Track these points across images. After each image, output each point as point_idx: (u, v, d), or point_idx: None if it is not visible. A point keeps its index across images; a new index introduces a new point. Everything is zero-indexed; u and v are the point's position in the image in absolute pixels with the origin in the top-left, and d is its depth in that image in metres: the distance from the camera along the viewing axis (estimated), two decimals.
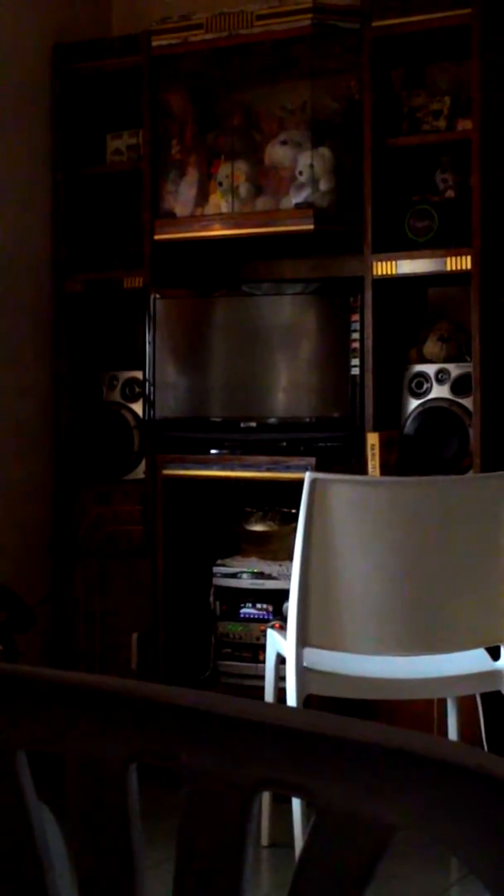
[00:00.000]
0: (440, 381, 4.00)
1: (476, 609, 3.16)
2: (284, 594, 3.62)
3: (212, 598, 4.20)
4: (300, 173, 4.13)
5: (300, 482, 3.11)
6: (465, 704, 3.58)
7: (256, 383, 4.26)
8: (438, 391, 4.00)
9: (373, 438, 3.94)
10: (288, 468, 4.01)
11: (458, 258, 3.88)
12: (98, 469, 4.49)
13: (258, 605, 4.13)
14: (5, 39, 4.39)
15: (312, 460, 3.97)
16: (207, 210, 4.28)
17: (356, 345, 4.03)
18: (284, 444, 4.12)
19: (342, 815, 0.82)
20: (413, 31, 3.98)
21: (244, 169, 4.23)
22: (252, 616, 4.13)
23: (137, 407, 4.44)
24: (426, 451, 3.97)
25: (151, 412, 4.33)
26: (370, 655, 3.18)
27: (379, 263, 4.00)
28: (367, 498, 3.14)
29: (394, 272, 3.99)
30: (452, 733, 3.59)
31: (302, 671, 3.09)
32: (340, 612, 3.12)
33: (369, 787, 0.82)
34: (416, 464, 3.98)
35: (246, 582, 4.15)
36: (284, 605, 3.76)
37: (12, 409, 4.39)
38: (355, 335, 4.04)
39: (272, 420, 4.21)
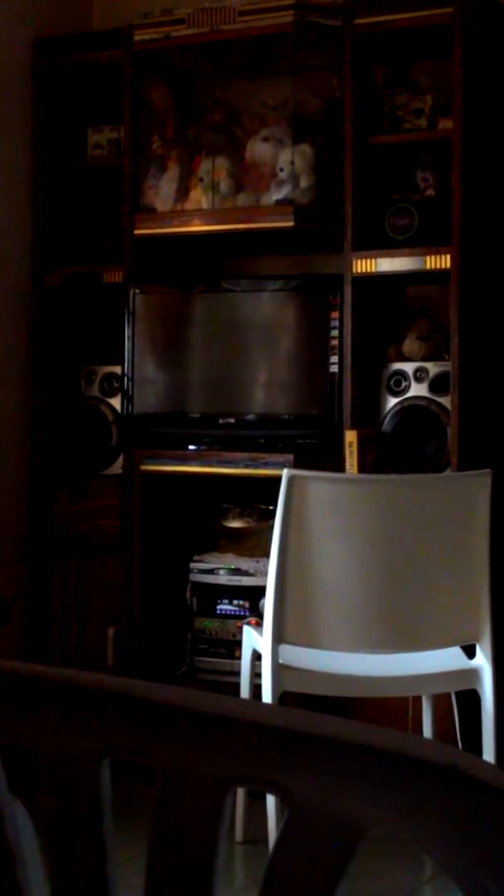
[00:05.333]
0: (418, 380, 4.01)
1: (452, 607, 3.16)
2: (261, 591, 3.62)
3: (188, 594, 4.19)
4: (281, 170, 4.13)
5: (278, 479, 3.11)
6: (441, 703, 3.59)
7: (235, 380, 4.25)
8: (417, 389, 4.01)
9: (351, 436, 3.95)
10: (266, 465, 4.01)
11: (438, 257, 3.89)
12: (75, 464, 4.48)
13: (235, 602, 4.13)
14: None
15: (290, 457, 3.97)
16: (188, 206, 4.27)
17: (335, 342, 4.03)
18: (262, 440, 4.12)
19: (315, 813, 0.82)
20: (395, 30, 3.98)
21: (225, 165, 4.22)
22: (228, 612, 4.13)
23: (116, 402, 4.44)
24: (404, 449, 3.98)
25: (130, 407, 4.32)
26: (346, 652, 3.19)
27: (358, 261, 4.00)
28: (345, 495, 3.15)
29: (373, 270, 3.99)
30: (427, 731, 3.60)
31: (277, 668, 3.09)
32: (317, 610, 3.12)
33: (342, 784, 0.82)
34: (393, 462, 3.98)
35: (223, 578, 4.15)
36: (261, 602, 3.76)
37: None
38: (334, 333, 4.04)
39: (251, 417, 4.21)
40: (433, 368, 3.99)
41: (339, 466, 3.94)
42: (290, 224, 4.06)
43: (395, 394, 4.04)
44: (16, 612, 4.28)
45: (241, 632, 3.72)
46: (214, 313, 4.33)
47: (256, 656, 3.34)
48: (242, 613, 4.09)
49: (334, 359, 4.03)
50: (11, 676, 0.95)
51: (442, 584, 3.17)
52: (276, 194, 4.13)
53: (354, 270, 4.01)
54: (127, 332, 4.32)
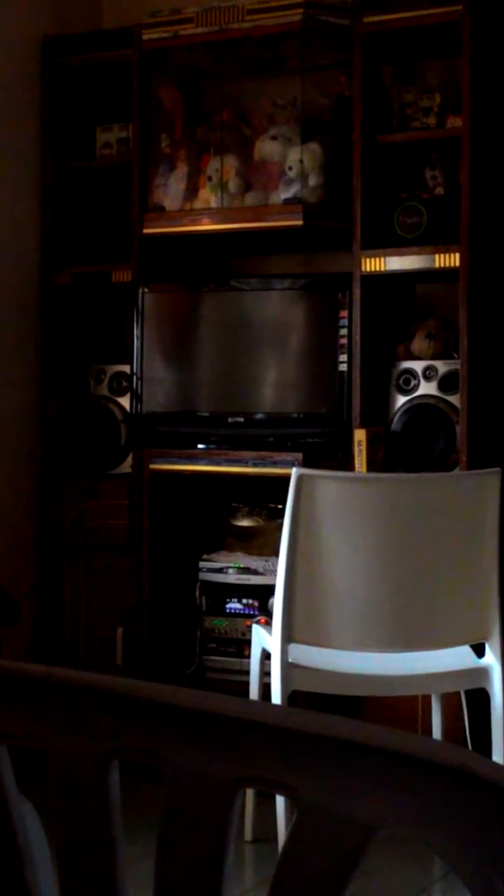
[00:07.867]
0: (427, 378, 4.00)
1: (461, 606, 3.16)
2: (270, 590, 3.62)
3: (197, 593, 4.19)
4: (290, 169, 4.13)
5: (287, 478, 3.11)
6: (450, 701, 3.59)
7: (244, 378, 4.25)
8: (426, 388, 4.01)
9: (360, 435, 3.94)
10: (275, 464, 4.01)
11: (447, 255, 3.88)
12: (84, 463, 4.48)
13: (244, 601, 4.13)
14: None
15: (299, 456, 3.97)
16: (196, 204, 4.28)
17: (344, 341, 4.03)
18: (271, 439, 4.12)
19: (323, 813, 0.82)
20: (404, 28, 3.98)
21: (234, 164, 4.22)
22: (237, 611, 4.13)
23: (125, 401, 4.44)
24: (413, 447, 3.97)
25: (139, 406, 4.33)
26: (355, 652, 3.19)
27: (367, 260, 4.00)
28: (354, 494, 3.14)
29: (382, 269, 3.99)
30: (437, 730, 3.60)
31: (287, 667, 3.09)
32: (326, 609, 3.12)
33: (351, 785, 0.82)
34: (402, 460, 3.98)
35: (232, 577, 4.15)
36: (270, 601, 3.76)
37: None
38: (343, 331, 4.04)
39: (259, 415, 4.21)
40: (442, 367, 3.99)
41: (348, 465, 3.93)
42: (299, 223, 4.06)
43: (405, 392, 4.04)
44: (25, 611, 4.28)
45: (250, 631, 3.72)
46: (223, 312, 4.33)
47: (266, 655, 3.34)
48: (251, 612, 4.09)
49: (343, 357, 4.03)
50: (20, 677, 0.95)
51: (451, 583, 3.17)
52: (285, 193, 4.13)
53: (363, 269, 4.00)
54: (136, 332, 4.33)
